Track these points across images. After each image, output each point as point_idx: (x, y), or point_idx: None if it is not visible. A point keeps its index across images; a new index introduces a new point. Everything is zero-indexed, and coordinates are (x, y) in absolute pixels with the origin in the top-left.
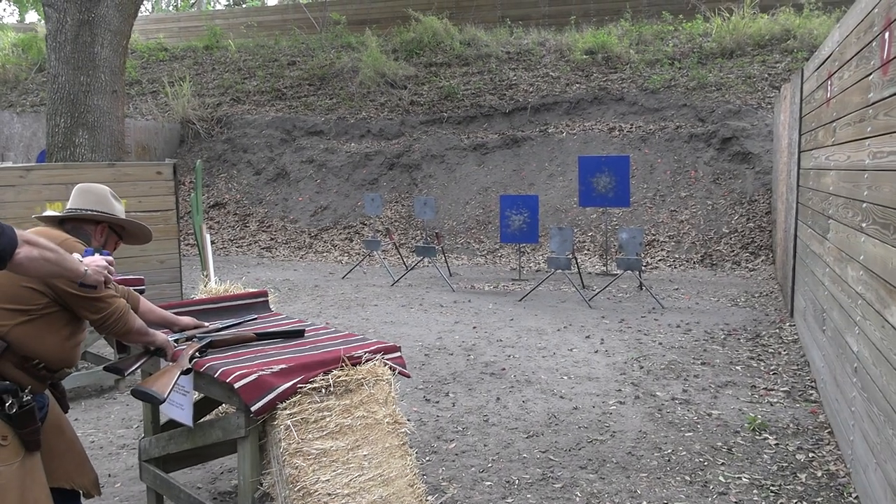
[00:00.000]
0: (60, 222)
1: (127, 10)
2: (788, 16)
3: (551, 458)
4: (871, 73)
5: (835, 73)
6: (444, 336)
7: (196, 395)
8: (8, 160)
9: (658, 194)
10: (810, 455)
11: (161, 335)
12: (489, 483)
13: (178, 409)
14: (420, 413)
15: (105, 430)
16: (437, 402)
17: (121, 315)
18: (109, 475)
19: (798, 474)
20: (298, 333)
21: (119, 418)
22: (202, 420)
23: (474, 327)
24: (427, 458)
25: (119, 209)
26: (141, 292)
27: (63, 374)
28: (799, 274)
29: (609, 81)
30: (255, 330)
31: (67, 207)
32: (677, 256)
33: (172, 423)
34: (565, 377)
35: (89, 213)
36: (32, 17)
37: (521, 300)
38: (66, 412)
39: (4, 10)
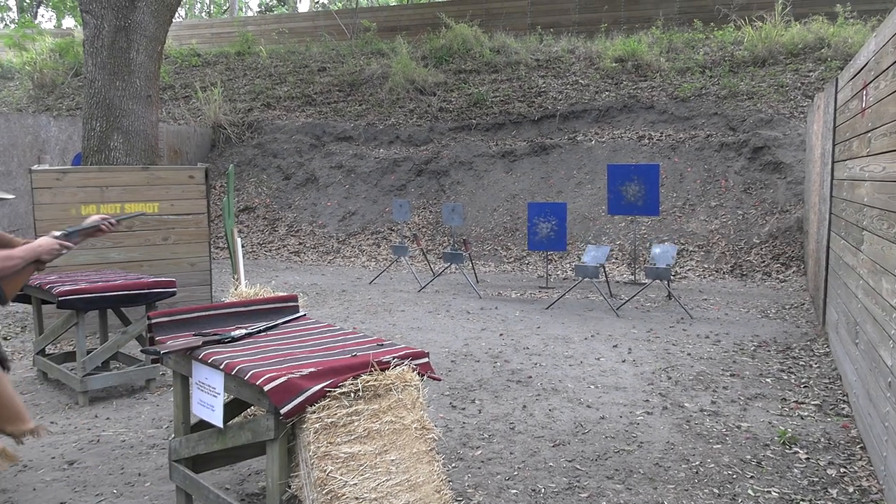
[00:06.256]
0: None
1: (162, 16)
2: (822, 24)
3: (578, 467)
4: None
5: (871, 82)
6: (471, 343)
7: (226, 397)
8: (44, 163)
9: (688, 203)
10: (842, 470)
11: (31, 247)
12: (515, 491)
13: (209, 410)
14: (446, 419)
15: (136, 430)
16: (464, 408)
17: None
18: (139, 474)
19: (829, 489)
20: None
21: (149, 418)
22: (231, 422)
23: (501, 334)
24: (453, 465)
25: None
26: (172, 294)
27: None
28: (831, 286)
29: (639, 89)
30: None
31: None
32: (706, 266)
33: (202, 424)
34: (592, 386)
35: None
36: (69, 22)
37: (548, 308)
38: (6, 371)
39: (42, 15)
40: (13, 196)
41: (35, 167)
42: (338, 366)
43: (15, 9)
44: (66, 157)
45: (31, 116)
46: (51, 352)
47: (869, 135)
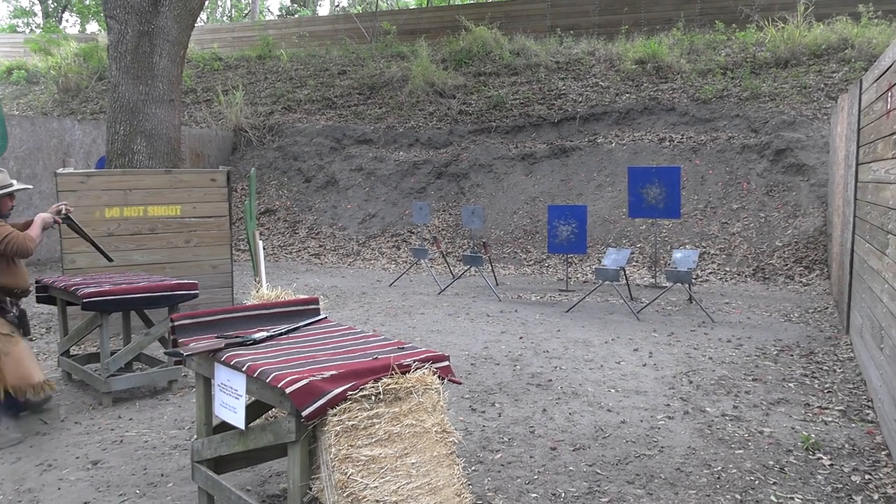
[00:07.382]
0: None
1: (185, 21)
2: (845, 25)
3: (598, 471)
4: None
5: None
6: (491, 346)
7: (248, 399)
8: (69, 166)
9: (709, 206)
10: (866, 477)
11: (38, 223)
12: (535, 495)
13: (231, 411)
14: (466, 423)
15: (158, 431)
16: (483, 412)
17: (16, 242)
18: (162, 475)
19: (853, 496)
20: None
21: (172, 419)
22: (253, 424)
23: (521, 337)
24: (473, 469)
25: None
26: (194, 296)
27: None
28: (855, 290)
29: (660, 91)
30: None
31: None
32: (728, 269)
33: (224, 426)
34: (613, 390)
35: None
36: (93, 27)
37: (568, 311)
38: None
39: (67, 20)
40: (31, 186)
41: (60, 170)
42: (359, 369)
43: (40, 14)
44: (91, 161)
45: (56, 120)
46: (75, 353)
47: (894, 137)
